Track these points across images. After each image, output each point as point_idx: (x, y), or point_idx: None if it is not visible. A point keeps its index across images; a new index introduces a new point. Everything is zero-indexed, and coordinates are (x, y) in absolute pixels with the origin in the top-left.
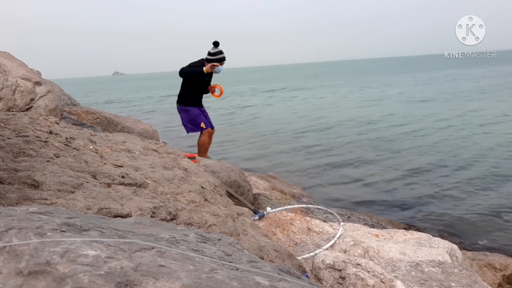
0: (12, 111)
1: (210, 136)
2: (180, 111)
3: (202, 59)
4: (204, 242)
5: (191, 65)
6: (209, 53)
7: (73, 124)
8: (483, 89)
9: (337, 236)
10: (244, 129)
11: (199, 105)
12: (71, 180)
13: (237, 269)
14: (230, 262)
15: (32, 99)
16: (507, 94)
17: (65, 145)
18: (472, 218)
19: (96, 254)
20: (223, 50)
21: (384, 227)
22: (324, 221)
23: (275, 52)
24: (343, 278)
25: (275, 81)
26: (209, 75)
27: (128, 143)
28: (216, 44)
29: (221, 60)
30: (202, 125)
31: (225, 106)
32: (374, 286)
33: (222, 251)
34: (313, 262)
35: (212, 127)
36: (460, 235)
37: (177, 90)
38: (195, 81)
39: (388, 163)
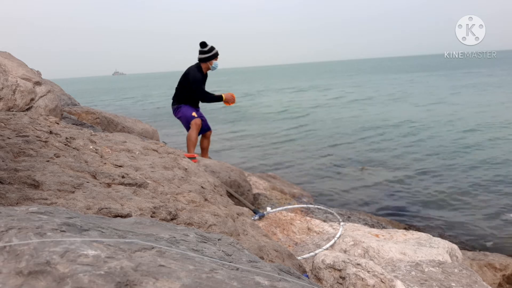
0: (12, 111)
1: (208, 137)
2: (174, 110)
3: (198, 62)
4: (204, 242)
5: (190, 73)
6: (202, 52)
7: (73, 124)
8: None
9: (337, 236)
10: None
11: (195, 106)
12: (71, 180)
13: (237, 269)
14: (230, 262)
15: (32, 99)
16: None
17: (65, 145)
18: (472, 218)
19: (96, 254)
20: (214, 46)
21: (384, 227)
22: (324, 221)
23: (275, 52)
24: (343, 278)
25: (295, 81)
26: (206, 77)
27: (128, 143)
28: (204, 44)
29: (216, 56)
30: (194, 114)
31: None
32: (374, 286)
33: (222, 251)
34: (313, 262)
35: (209, 129)
36: (460, 235)
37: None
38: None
39: (387, 163)
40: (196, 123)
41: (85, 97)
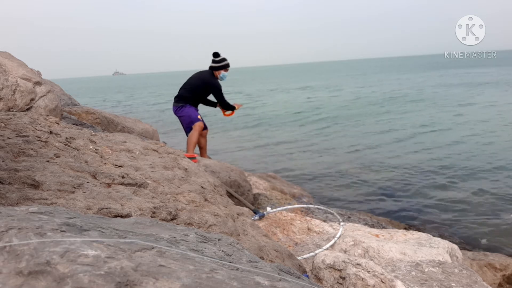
0: (12, 111)
1: (204, 136)
2: (177, 109)
3: (210, 70)
4: (204, 242)
5: (212, 82)
6: (214, 61)
7: (73, 124)
8: None
9: (337, 236)
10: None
11: (197, 107)
12: (71, 180)
13: (237, 269)
14: (230, 262)
15: (32, 99)
16: None
17: (65, 145)
18: (472, 218)
19: (96, 254)
20: (226, 58)
21: (384, 227)
22: (324, 221)
23: (275, 52)
24: (343, 278)
25: (300, 81)
26: None
27: (128, 143)
28: (216, 54)
29: (226, 67)
30: (199, 116)
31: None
32: (374, 286)
33: (222, 251)
34: (313, 262)
35: (206, 128)
36: (460, 235)
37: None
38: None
39: (388, 163)
40: (199, 125)
41: (90, 97)
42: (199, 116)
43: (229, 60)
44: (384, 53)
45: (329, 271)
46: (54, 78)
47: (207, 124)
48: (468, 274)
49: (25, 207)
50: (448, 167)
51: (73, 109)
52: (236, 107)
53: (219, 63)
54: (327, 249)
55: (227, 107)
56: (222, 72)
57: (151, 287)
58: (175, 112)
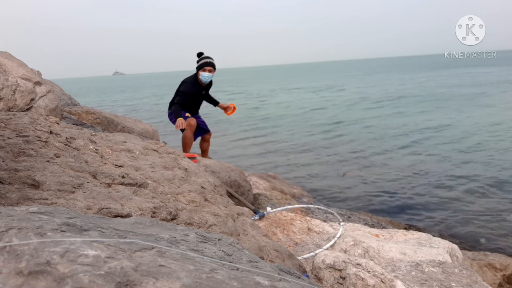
0: (12, 111)
1: (207, 140)
2: (169, 115)
3: (195, 73)
4: (204, 242)
5: (183, 85)
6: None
7: (73, 124)
8: None
9: (338, 236)
10: None
11: (192, 113)
12: (71, 180)
13: (237, 269)
14: (230, 262)
15: (32, 99)
16: None
17: (65, 145)
18: (472, 218)
19: (96, 254)
20: (210, 57)
21: (384, 227)
22: (324, 221)
23: (275, 52)
24: (344, 278)
25: (303, 81)
26: (205, 88)
27: (128, 143)
28: (197, 54)
29: (202, 67)
30: (187, 114)
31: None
32: (374, 286)
33: (222, 251)
34: (313, 262)
35: (209, 131)
36: (460, 235)
37: None
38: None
39: (388, 163)
40: (189, 123)
41: (90, 97)
42: (187, 114)
43: (214, 60)
44: (384, 53)
45: (329, 271)
46: (54, 78)
47: (209, 126)
48: (468, 274)
49: (25, 207)
50: (449, 168)
51: (73, 109)
52: (176, 122)
53: (197, 63)
54: (327, 249)
55: (176, 114)
56: (201, 73)
57: (151, 287)
58: (169, 118)
